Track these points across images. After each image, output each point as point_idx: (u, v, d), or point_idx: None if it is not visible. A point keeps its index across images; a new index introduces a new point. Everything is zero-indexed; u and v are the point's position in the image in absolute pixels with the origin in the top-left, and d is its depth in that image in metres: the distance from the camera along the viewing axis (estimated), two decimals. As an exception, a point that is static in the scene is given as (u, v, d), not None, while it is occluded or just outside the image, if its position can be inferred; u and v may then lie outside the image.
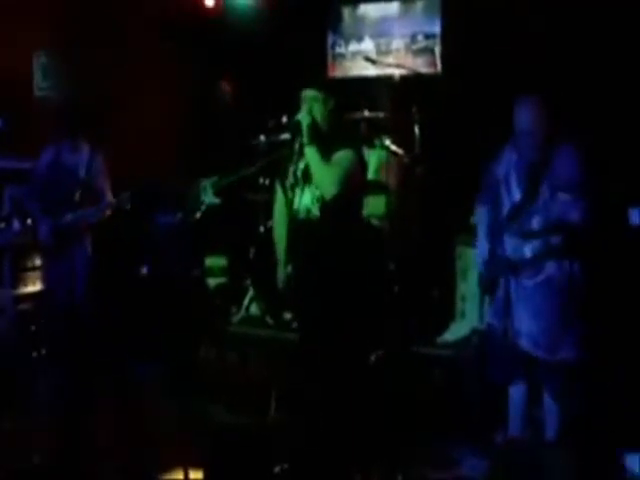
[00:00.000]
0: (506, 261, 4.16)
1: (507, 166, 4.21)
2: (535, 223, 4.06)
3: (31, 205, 5.62)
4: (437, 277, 5.97)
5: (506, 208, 4.19)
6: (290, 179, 4.40)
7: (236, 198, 6.56)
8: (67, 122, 5.53)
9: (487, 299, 4.42)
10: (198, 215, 6.56)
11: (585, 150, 4.08)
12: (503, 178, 4.22)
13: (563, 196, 3.92)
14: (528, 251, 4.11)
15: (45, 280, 5.72)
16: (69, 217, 5.45)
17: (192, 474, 4.35)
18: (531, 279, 4.13)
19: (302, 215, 4.35)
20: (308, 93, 4.37)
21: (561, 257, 4.10)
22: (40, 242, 5.51)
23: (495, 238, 4.26)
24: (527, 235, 4.08)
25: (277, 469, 4.23)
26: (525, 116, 4.07)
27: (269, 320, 6.32)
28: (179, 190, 5.96)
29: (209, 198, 6.39)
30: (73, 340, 5.42)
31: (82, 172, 5.52)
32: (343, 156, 4.28)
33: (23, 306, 6.06)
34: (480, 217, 4.43)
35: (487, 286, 4.37)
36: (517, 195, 4.16)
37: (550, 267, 4.12)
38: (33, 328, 5.98)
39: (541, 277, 4.13)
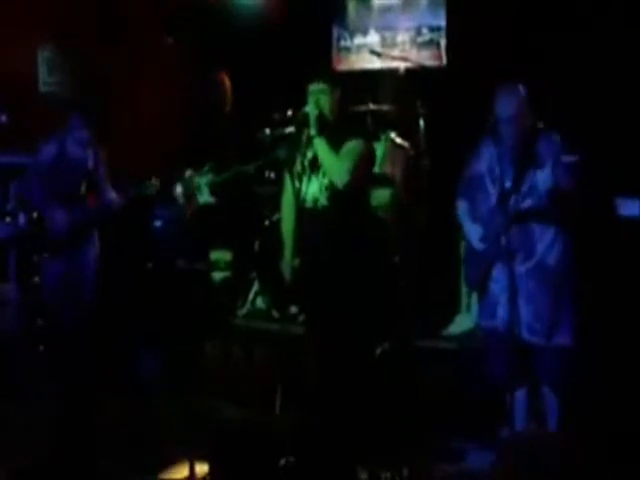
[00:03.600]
0: (498, 248, 4.15)
1: (489, 161, 4.21)
2: (524, 205, 4.04)
3: (37, 196, 5.55)
4: (442, 270, 5.96)
5: (493, 198, 4.18)
6: (298, 168, 4.44)
7: (236, 193, 6.53)
8: (79, 115, 5.52)
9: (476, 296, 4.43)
10: (190, 214, 6.53)
11: (571, 140, 4.07)
12: (487, 172, 4.22)
13: (548, 167, 3.89)
14: (518, 235, 4.10)
15: (47, 275, 5.65)
16: (89, 210, 5.46)
17: (198, 468, 4.35)
18: (523, 265, 4.13)
19: (309, 204, 4.39)
20: (314, 86, 4.42)
21: (552, 236, 4.10)
22: (52, 235, 5.48)
23: (484, 228, 4.26)
24: (517, 216, 4.06)
25: (282, 462, 4.24)
26: (507, 103, 4.08)
27: (275, 313, 6.32)
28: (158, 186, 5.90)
29: (204, 197, 6.36)
30: (77, 338, 5.42)
31: (90, 164, 5.53)
32: (354, 145, 4.34)
33: (28, 300, 6.06)
34: (463, 210, 4.43)
35: (476, 280, 4.39)
36: (505, 183, 4.15)
37: (541, 251, 4.12)
38: (39, 322, 5.98)
39: (532, 262, 4.13)
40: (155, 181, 5.57)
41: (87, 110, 5.56)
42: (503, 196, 4.10)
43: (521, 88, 4.13)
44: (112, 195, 5.58)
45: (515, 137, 4.09)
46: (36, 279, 6.02)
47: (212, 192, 6.31)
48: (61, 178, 5.48)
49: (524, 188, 4.02)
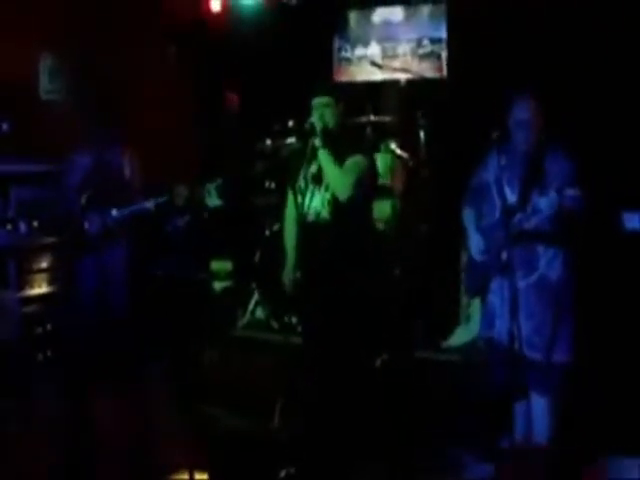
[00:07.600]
0: (498, 262, 4.16)
1: (496, 170, 4.18)
2: (527, 226, 4.04)
3: (73, 198, 5.39)
4: (443, 281, 5.97)
5: (498, 210, 4.19)
6: (300, 182, 4.45)
7: (240, 201, 6.54)
8: (110, 124, 5.49)
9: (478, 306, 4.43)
10: (202, 218, 6.54)
11: (578, 152, 4.09)
12: (494, 181, 4.22)
13: (553, 194, 3.89)
14: (520, 251, 4.11)
15: (74, 276, 5.59)
16: (125, 210, 5.43)
17: (197, 476, 4.35)
18: (524, 280, 4.13)
19: (311, 218, 4.39)
20: (318, 100, 4.42)
21: (554, 251, 4.11)
22: (87, 235, 5.37)
23: (487, 239, 4.27)
24: (519, 236, 4.07)
25: (283, 473, 4.24)
26: (524, 107, 4.11)
27: (274, 324, 6.32)
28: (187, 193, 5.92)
29: (213, 201, 6.37)
30: (95, 339, 5.37)
31: (127, 173, 5.50)
32: (356, 162, 4.35)
33: (28, 309, 6.05)
34: (469, 218, 4.44)
35: (474, 290, 4.40)
36: (510, 197, 4.16)
37: (543, 267, 4.13)
38: (39, 330, 5.97)
39: (534, 277, 4.14)
40: (184, 189, 5.51)
41: (109, 118, 5.53)
42: (506, 211, 4.10)
43: (535, 96, 4.15)
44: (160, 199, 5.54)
45: (528, 143, 4.12)
46: (36, 288, 6.03)
47: (220, 197, 6.32)
48: (99, 184, 5.43)
49: (528, 208, 4.01)
